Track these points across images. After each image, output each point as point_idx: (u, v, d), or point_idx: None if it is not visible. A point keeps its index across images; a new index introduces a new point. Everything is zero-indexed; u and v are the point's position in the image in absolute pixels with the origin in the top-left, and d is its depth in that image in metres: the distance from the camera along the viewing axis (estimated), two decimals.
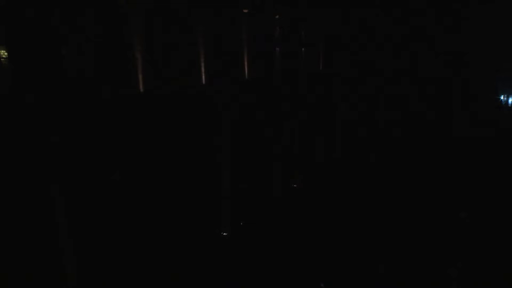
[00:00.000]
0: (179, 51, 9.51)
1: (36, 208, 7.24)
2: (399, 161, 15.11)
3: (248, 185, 11.33)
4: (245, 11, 10.87)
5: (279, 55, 12.33)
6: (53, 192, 7.37)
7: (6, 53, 7.16)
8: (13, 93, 7.06)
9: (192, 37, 9.76)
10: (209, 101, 10.11)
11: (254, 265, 9.16)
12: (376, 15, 14.97)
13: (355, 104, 15.42)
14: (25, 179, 7.13)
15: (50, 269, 7.38)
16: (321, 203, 12.23)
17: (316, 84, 13.86)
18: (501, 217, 11.16)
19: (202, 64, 9.94)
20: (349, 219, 11.26)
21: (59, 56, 7.63)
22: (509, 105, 17.11)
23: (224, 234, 10.21)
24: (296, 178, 13.23)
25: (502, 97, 17.08)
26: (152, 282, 8.45)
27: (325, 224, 11.00)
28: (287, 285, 8.67)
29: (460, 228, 10.68)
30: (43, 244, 7.34)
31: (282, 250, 9.67)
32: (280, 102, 12.40)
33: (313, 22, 13.40)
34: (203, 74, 10.00)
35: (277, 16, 11.93)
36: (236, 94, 10.71)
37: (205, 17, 9.87)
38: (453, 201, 12.16)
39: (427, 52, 16.08)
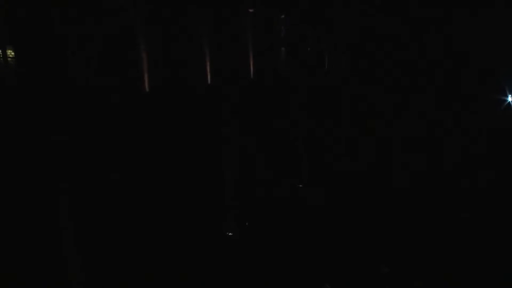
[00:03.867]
0: (184, 50, 9.52)
1: (40, 208, 7.25)
2: (400, 161, 15.09)
3: (253, 184, 11.33)
4: (251, 10, 10.88)
5: (284, 55, 12.35)
6: (58, 192, 7.38)
7: (13, 53, 7.19)
8: (19, 92, 7.09)
9: (196, 37, 9.77)
10: (215, 100, 10.11)
11: (259, 265, 9.14)
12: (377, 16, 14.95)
13: (358, 106, 15.38)
14: (29, 179, 7.14)
15: (53, 269, 7.39)
16: (327, 204, 12.21)
17: (321, 84, 13.86)
18: (501, 217, 11.14)
19: (208, 64, 9.95)
20: (355, 219, 11.24)
21: (65, 55, 7.65)
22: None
23: (230, 234, 10.21)
24: (301, 178, 13.20)
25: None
26: (156, 282, 8.44)
27: (331, 224, 10.97)
28: (292, 286, 8.66)
29: (461, 228, 10.66)
30: (46, 244, 7.35)
31: (288, 251, 9.65)
32: (286, 102, 12.40)
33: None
34: (208, 73, 10.00)
35: (282, 16, 11.93)
36: (241, 94, 10.72)
37: (209, 16, 9.88)
38: (454, 201, 12.15)
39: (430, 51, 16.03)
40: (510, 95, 16.19)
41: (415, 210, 11.72)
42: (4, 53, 7.12)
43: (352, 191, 13.02)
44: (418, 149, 15.48)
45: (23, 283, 7.04)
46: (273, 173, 11.99)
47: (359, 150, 15.32)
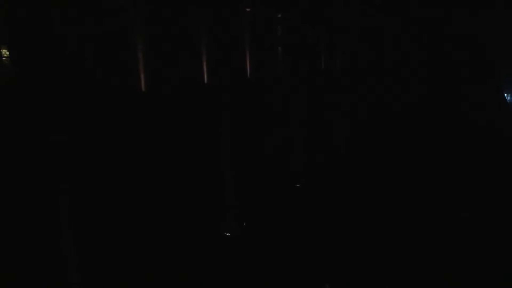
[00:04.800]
0: (180, 50, 9.50)
1: (40, 209, 7.21)
2: (401, 160, 15.08)
3: (251, 184, 11.29)
4: (248, 9, 10.87)
5: (281, 54, 12.33)
6: (57, 192, 7.33)
7: (7, 52, 7.14)
8: (14, 92, 7.04)
9: (194, 36, 9.75)
10: (211, 100, 10.08)
11: (257, 265, 9.09)
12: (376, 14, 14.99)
13: (355, 103, 15.41)
14: (28, 179, 7.10)
15: (53, 270, 7.34)
16: (325, 203, 12.18)
17: (318, 83, 13.87)
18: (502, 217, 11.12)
19: (204, 63, 9.92)
20: (354, 219, 11.21)
21: (60, 55, 7.61)
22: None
23: (227, 234, 10.16)
24: (299, 178, 13.17)
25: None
26: (156, 282, 8.39)
27: (330, 224, 10.93)
28: (293, 286, 8.61)
29: (461, 228, 10.64)
30: (46, 245, 7.31)
31: (286, 251, 9.60)
32: (283, 101, 12.39)
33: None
34: (205, 73, 9.98)
35: (279, 15, 11.91)
36: (238, 93, 10.70)
37: (207, 16, 9.86)
38: (455, 201, 12.11)
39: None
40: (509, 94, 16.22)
41: (415, 210, 11.70)
42: None
43: (354, 191, 13.00)
44: (417, 148, 15.51)
45: (23, 283, 7.00)
46: (272, 172, 11.97)
47: (360, 149, 15.32)
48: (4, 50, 7.11)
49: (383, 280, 8.74)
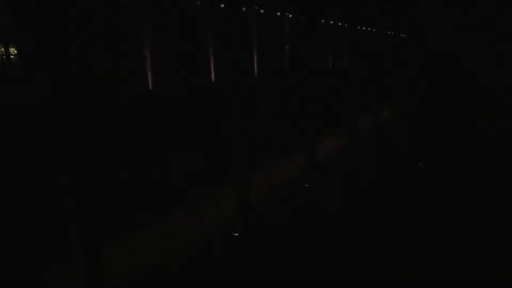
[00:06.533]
0: (189, 49, 9.47)
1: (45, 206, 7.19)
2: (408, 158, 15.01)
3: (259, 183, 11.23)
4: (256, 8, 10.80)
5: (289, 52, 12.27)
6: (65, 192, 7.30)
7: (15, 51, 7.13)
8: (22, 91, 7.02)
9: (202, 35, 9.72)
10: (221, 97, 10.03)
11: (265, 267, 9.00)
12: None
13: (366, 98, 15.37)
14: (34, 177, 7.08)
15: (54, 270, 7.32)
16: (334, 203, 12.08)
17: (326, 80, 13.81)
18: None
19: (212, 62, 9.87)
20: (361, 221, 11.11)
21: (68, 54, 7.58)
22: None
23: (236, 234, 10.06)
24: (309, 177, 13.08)
25: None
26: (165, 281, 8.34)
27: (339, 225, 10.83)
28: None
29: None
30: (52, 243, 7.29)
31: (294, 253, 9.49)
32: (292, 97, 12.33)
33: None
34: (212, 71, 9.93)
35: (290, 15, 11.81)
36: (247, 91, 10.63)
37: (216, 15, 9.81)
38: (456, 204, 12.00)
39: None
40: None
41: (416, 209, 11.63)
42: (7, 51, 7.07)
43: (359, 190, 12.92)
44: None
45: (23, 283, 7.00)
46: (278, 171, 11.89)
47: (364, 148, 15.26)
48: (12, 49, 7.10)
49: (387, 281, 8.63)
